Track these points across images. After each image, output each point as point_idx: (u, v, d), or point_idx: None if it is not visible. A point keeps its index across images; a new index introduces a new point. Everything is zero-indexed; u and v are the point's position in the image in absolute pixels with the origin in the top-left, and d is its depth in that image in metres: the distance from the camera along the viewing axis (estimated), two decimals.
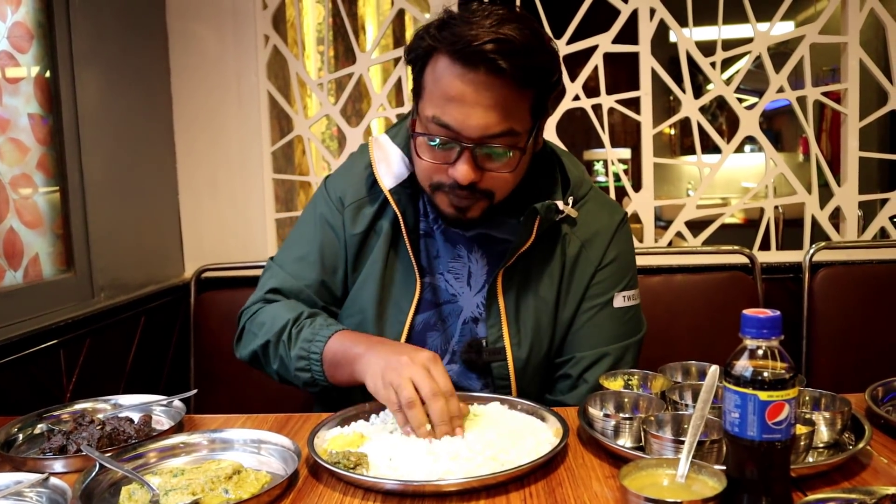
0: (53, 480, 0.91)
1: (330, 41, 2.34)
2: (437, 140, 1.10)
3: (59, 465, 1.01)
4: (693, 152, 2.22)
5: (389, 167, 1.24)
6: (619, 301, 1.27)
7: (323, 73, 2.30)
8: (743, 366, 0.75)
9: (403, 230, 1.24)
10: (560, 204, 1.21)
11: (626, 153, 6.24)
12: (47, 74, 1.73)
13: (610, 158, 2.25)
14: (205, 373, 2.12)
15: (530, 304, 1.24)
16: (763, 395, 0.74)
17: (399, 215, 1.23)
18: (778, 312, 0.75)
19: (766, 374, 0.74)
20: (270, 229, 2.30)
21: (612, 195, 2.21)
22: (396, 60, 2.35)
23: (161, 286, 2.13)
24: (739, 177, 6.00)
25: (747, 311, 0.76)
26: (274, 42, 2.24)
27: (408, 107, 2.28)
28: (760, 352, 0.75)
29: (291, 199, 2.78)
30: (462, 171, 1.09)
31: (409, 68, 1.16)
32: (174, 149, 2.26)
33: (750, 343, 0.75)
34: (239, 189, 2.28)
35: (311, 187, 3.01)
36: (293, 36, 2.92)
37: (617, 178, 2.25)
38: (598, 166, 6.54)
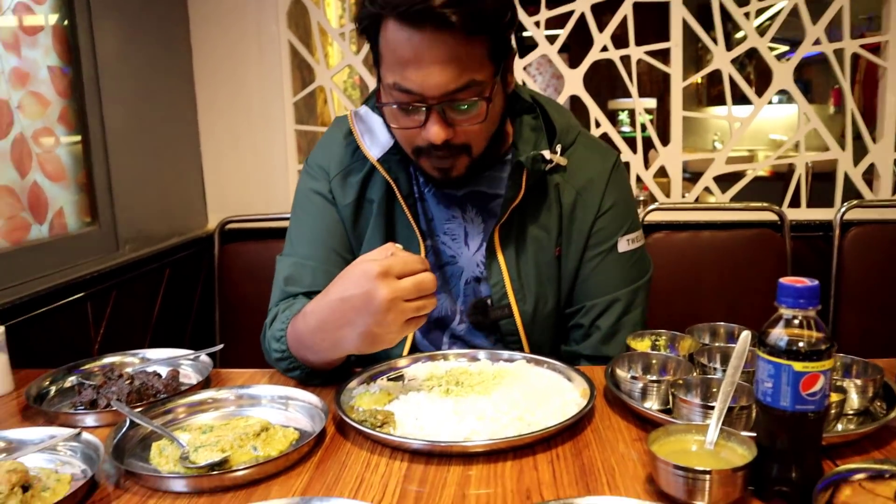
0: (85, 435, 0.92)
1: None
2: (403, 105, 1.08)
3: (90, 420, 1.02)
4: (720, 102, 2.18)
5: (374, 137, 1.22)
6: (623, 245, 1.25)
7: (344, 21, 2.25)
8: (778, 335, 0.74)
9: (399, 197, 1.22)
10: (547, 154, 1.19)
11: (651, 103, 6.11)
12: (65, 24, 1.71)
13: (637, 109, 2.19)
14: (228, 325, 2.14)
15: (530, 257, 1.23)
16: (798, 366, 0.72)
17: (392, 183, 1.21)
18: (816, 282, 0.73)
19: (801, 344, 0.72)
20: (293, 180, 2.29)
21: (639, 146, 2.17)
22: None
23: (185, 238, 2.14)
24: (767, 128, 5.86)
25: (784, 280, 0.74)
26: None
27: None
28: (797, 321, 0.73)
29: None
30: (433, 132, 1.07)
31: (365, 38, 1.13)
32: (195, 100, 2.24)
33: (786, 312, 0.73)
34: (261, 140, 2.27)
35: None
36: None
37: (643, 128, 2.20)
38: (623, 116, 6.43)
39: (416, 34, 1.01)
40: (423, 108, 1.06)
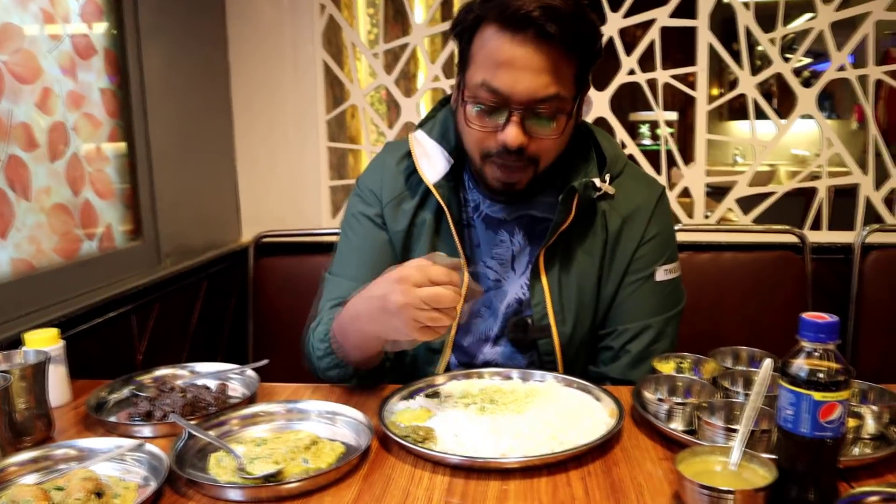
0: (148, 446, 0.99)
1: (379, 4, 2.36)
2: (486, 106, 1.13)
3: (147, 431, 1.09)
4: (742, 115, 2.22)
5: (431, 162, 1.28)
6: (661, 275, 1.30)
7: (372, 37, 2.32)
8: (799, 366, 0.79)
9: (450, 222, 1.28)
10: (597, 181, 1.24)
11: (673, 116, 6.13)
12: (115, 49, 1.80)
13: (661, 121, 2.24)
14: (262, 337, 2.22)
15: (573, 280, 1.28)
16: (817, 396, 0.78)
17: (445, 208, 1.27)
18: (836, 318, 0.78)
19: (820, 375, 0.78)
20: (325, 197, 2.37)
21: (663, 160, 2.22)
22: (446, 34, 2.36)
23: (221, 251, 2.22)
24: (789, 143, 5.86)
25: (806, 315, 0.79)
26: (330, 11, 2.27)
27: None
28: (817, 354, 0.79)
29: (343, 164, 2.84)
30: (512, 135, 1.12)
31: (456, 42, 1.20)
32: (232, 117, 2.32)
33: (807, 345, 0.79)
34: (295, 156, 2.35)
35: (361, 154, 3.07)
36: (345, 1, 2.94)
37: (665, 142, 2.25)
38: (644, 129, 6.45)
39: (516, 38, 1.09)
40: (505, 112, 1.13)
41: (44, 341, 1.19)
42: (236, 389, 1.28)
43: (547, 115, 1.13)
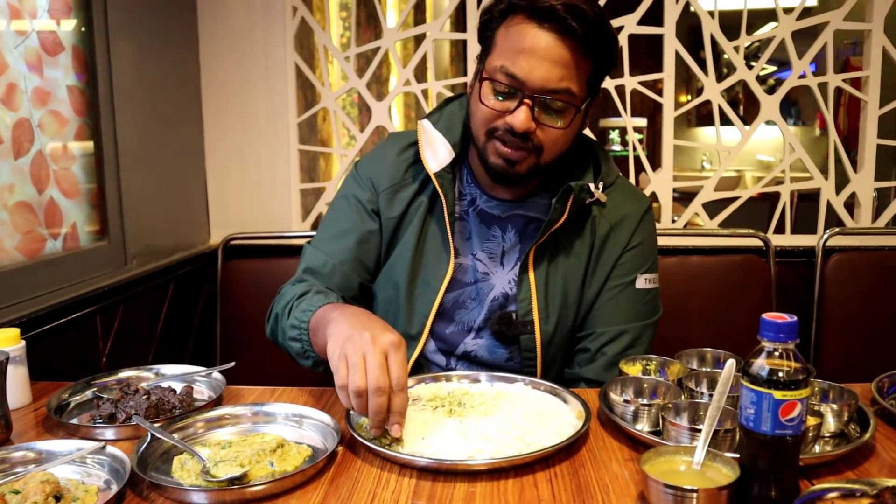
0: (110, 448, 0.98)
1: (351, 8, 2.36)
2: (502, 88, 1.19)
3: (109, 433, 1.08)
4: (709, 121, 2.26)
5: (434, 152, 1.31)
6: (641, 283, 1.35)
7: (345, 40, 2.32)
8: (760, 365, 0.81)
9: (445, 212, 1.31)
10: (592, 186, 1.28)
11: (642, 122, 6.22)
12: (83, 46, 1.77)
13: (629, 127, 2.27)
14: (229, 339, 2.19)
15: (559, 279, 1.32)
16: (777, 394, 0.79)
17: (442, 196, 1.30)
18: (794, 318, 0.80)
19: (780, 374, 0.79)
20: (295, 199, 2.35)
21: (631, 165, 2.25)
22: (418, 38, 2.37)
23: (189, 253, 2.20)
24: (755, 149, 5.98)
25: (766, 315, 0.81)
26: (302, 14, 2.26)
27: (431, 83, 2.31)
28: (777, 353, 0.80)
29: (314, 167, 2.82)
30: (520, 118, 1.17)
31: (481, 29, 1.26)
32: (202, 118, 2.30)
33: (767, 345, 0.81)
34: (265, 159, 2.33)
35: (332, 158, 3.06)
36: (317, 3, 2.93)
37: (634, 147, 2.28)
38: (614, 135, 6.53)
39: (541, 29, 1.15)
40: (518, 97, 1.17)
41: (4, 341, 1.17)
42: (202, 392, 1.26)
43: (556, 107, 1.18)
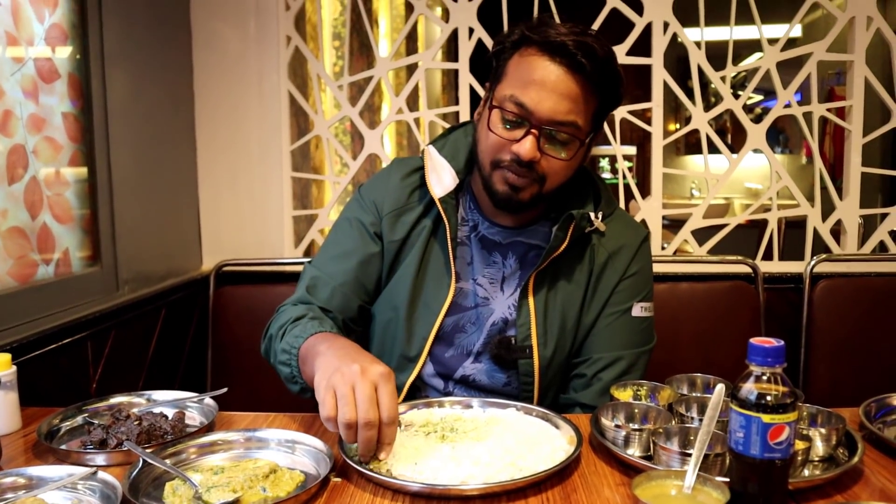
0: (102, 474, 0.98)
1: (344, 37, 2.40)
2: (510, 118, 1.22)
3: (100, 459, 1.07)
4: (697, 150, 2.29)
5: (439, 177, 1.34)
6: (637, 311, 1.37)
7: (337, 69, 2.35)
8: (748, 390, 0.82)
9: (448, 237, 1.33)
10: (592, 215, 1.31)
11: (631, 150, 6.29)
12: (79, 73, 1.79)
13: (619, 155, 2.29)
14: (220, 366, 2.19)
15: (558, 305, 1.34)
16: (766, 418, 0.80)
17: (446, 222, 1.33)
18: (782, 342, 0.81)
19: (769, 398, 0.81)
20: (288, 226, 2.36)
21: (621, 193, 2.27)
22: (410, 67, 2.40)
23: (181, 279, 2.20)
24: (743, 177, 6.05)
25: (754, 340, 0.82)
26: (295, 43, 2.30)
27: (423, 112, 2.34)
28: (765, 378, 0.82)
29: (306, 194, 2.84)
30: (526, 147, 1.20)
31: (494, 58, 1.29)
32: (195, 145, 2.32)
33: (755, 369, 0.82)
34: (258, 186, 2.34)
35: (325, 185, 3.07)
36: (310, 32, 2.97)
37: (624, 175, 2.31)
38: (604, 163, 6.60)
39: (552, 63, 1.19)
40: (525, 127, 1.20)
41: None
42: (194, 418, 1.26)
43: (561, 138, 1.22)
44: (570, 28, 1.20)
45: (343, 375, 1.00)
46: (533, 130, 1.20)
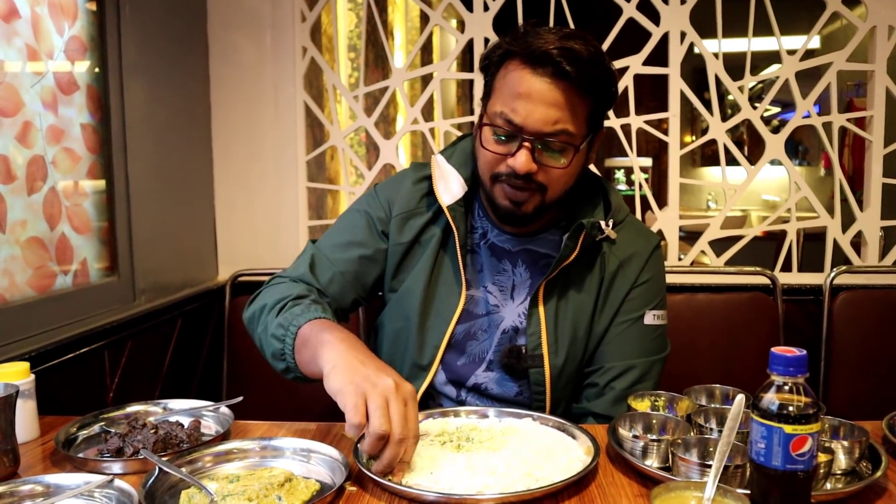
0: (118, 482, 0.98)
1: (360, 49, 2.41)
2: (502, 133, 1.21)
3: (116, 467, 1.07)
4: (713, 161, 2.27)
5: (447, 185, 1.34)
6: (650, 319, 1.35)
7: (353, 80, 2.36)
8: (770, 400, 0.81)
9: (457, 244, 1.33)
10: (602, 224, 1.30)
11: (647, 161, 6.27)
12: (98, 86, 1.81)
13: (635, 166, 2.29)
14: (236, 375, 2.19)
15: (569, 314, 1.33)
16: (788, 429, 0.79)
17: (455, 229, 1.32)
18: (804, 352, 0.80)
19: (791, 408, 0.79)
20: (303, 236, 2.37)
21: (637, 204, 2.26)
22: (425, 78, 2.41)
23: (197, 289, 2.21)
24: (760, 189, 6.01)
25: (775, 349, 0.81)
26: (311, 54, 2.31)
27: (438, 122, 2.35)
28: (787, 387, 0.80)
29: (322, 205, 2.85)
30: (520, 161, 1.19)
31: (483, 75, 1.29)
32: (211, 156, 2.33)
33: (777, 379, 0.81)
34: (273, 196, 2.36)
35: (340, 195, 3.09)
36: (326, 43, 3.00)
37: (640, 187, 2.29)
38: (620, 175, 6.58)
39: (535, 74, 1.17)
40: (518, 140, 1.19)
41: (13, 375, 1.17)
42: (210, 426, 1.26)
43: (556, 147, 1.21)
44: (553, 34, 1.18)
45: (375, 387, 0.99)
46: (525, 143, 1.19)
